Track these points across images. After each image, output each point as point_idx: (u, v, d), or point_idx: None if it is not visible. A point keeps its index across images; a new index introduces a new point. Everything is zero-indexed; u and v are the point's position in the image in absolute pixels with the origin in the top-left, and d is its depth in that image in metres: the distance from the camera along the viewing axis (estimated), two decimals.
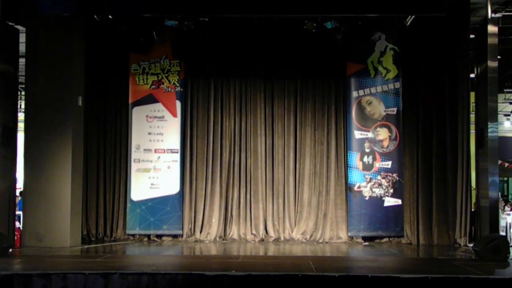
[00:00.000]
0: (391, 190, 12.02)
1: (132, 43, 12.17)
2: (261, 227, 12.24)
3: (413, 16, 10.76)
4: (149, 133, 12.31)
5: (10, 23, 10.89)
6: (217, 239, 12.08)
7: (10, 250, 9.74)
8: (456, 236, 11.58)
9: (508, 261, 9.19)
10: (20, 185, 12.05)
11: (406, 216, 12.03)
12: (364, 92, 12.24)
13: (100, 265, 8.47)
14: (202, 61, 12.48)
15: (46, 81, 10.80)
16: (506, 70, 14.79)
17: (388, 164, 12.08)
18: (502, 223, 11.81)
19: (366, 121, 12.20)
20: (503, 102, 17.49)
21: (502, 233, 11.24)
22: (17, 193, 11.93)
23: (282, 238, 12.13)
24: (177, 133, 12.30)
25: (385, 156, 12.11)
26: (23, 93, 13.84)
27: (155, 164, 12.23)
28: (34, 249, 10.30)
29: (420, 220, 11.97)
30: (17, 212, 11.24)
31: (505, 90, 17.24)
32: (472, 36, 11.45)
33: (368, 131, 12.16)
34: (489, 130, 10.44)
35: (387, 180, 12.02)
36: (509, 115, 18.50)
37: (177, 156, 12.24)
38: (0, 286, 7.24)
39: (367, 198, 12.03)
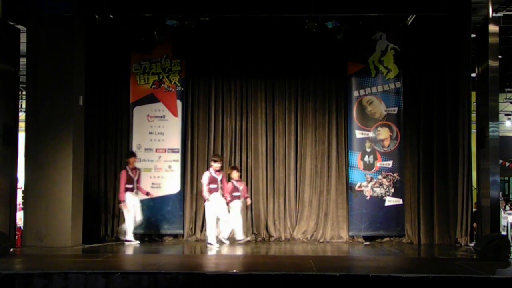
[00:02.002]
0: (392, 190, 12.02)
1: (133, 43, 12.17)
2: (262, 226, 12.24)
3: (414, 16, 10.76)
4: (150, 133, 12.32)
5: (11, 23, 10.89)
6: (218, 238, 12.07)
7: (11, 249, 9.74)
8: (457, 236, 11.59)
9: (509, 261, 9.18)
10: (21, 184, 12.04)
11: (407, 216, 12.02)
12: (365, 91, 12.23)
13: (101, 264, 8.47)
14: (203, 60, 12.48)
15: (47, 81, 10.79)
16: (507, 70, 14.80)
17: (389, 163, 12.08)
18: (503, 222, 11.83)
19: (367, 120, 12.20)
20: (504, 102, 17.51)
21: (503, 233, 11.24)
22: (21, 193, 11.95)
23: (283, 238, 12.14)
24: (178, 133, 12.30)
25: (386, 156, 12.11)
26: (24, 92, 13.84)
27: (156, 163, 12.24)
28: (35, 248, 10.30)
29: (421, 220, 11.97)
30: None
31: (506, 90, 17.25)
32: (473, 35, 11.45)
33: (369, 131, 12.16)
34: (490, 129, 10.42)
35: (388, 180, 12.02)
36: (510, 114, 18.50)
37: (178, 156, 12.24)
38: (1, 286, 7.24)
39: (368, 198, 12.03)
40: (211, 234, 11.05)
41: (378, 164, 12.09)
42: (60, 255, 9.63)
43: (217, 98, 12.53)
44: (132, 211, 11.40)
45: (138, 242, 11.49)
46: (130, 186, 11.45)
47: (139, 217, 11.54)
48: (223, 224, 11.32)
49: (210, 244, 11.00)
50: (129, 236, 11.41)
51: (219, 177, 11.21)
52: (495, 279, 7.43)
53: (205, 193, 11.08)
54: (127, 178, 11.45)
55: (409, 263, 9.45)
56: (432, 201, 11.93)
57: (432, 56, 12.08)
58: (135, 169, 11.61)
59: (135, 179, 11.54)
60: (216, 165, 11.24)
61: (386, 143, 12.14)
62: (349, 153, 12.20)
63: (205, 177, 11.18)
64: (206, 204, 11.12)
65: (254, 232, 12.20)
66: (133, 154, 11.79)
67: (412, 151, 12.17)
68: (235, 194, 11.45)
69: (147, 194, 11.74)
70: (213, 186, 11.09)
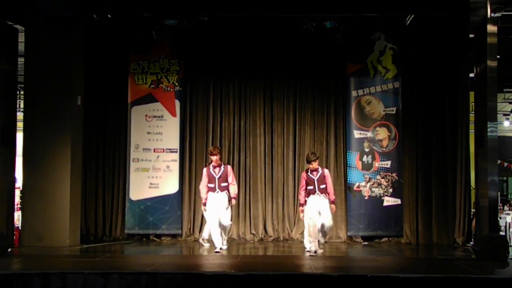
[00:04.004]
0: (391, 190, 12.01)
1: (131, 43, 12.14)
2: (261, 226, 12.24)
3: (413, 16, 10.76)
4: (148, 133, 12.30)
5: (9, 22, 10.86)
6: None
7: (9, 249, 9.72)
8: (455, 236, 11.59)
9: (508, 261, 9.18)
10: (19, 184, 12.03)
11: (406, 216, 12.02)
12: (363, 91, 12.23)
13: (99, 264, 8.46)
14: (202, 60, 12.47)
15: (45, 81, 10.78)
16: (506, 70, 14.78)
17: (388, 163, 12.08)
18: (501, 222, 11.83)
19: (366, 120, 12.19)
20: (502, 102, 17.51)
21: (502, 233, 11.25)
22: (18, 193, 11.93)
23: (281, 238, 12.13)
24: (176, 133, 12.28)
25: (384, 156, 12.11)
26: (22, 92, 13.82)
27: (154, 163, 12.22)
28: (33, 248, 10.28)
29: (419, 220, 11.96)
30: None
31: (504, 90, 17.23)
32: (471, 35, 11.45)
33: (368, 131, 12.16)
34: (488, 129, 10.41)
35: (387, 180, 12.02)
36: (508, 114, 18.52)
37: (176, 156, 12.23)
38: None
39: (366, 198, 12.03)
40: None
41: (377, 164, 12.09)
42: (58, 255, 9.60)
43: (215, 98, 12.52)
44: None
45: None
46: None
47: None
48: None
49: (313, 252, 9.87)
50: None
51: (316, 177, 9.96)
52: (494, 279, 7.42)
53: (301, 196, 10.14)
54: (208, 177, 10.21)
55: (407, 263, 9.44)
56: (431, 201, 11.92)
57: (431, 56, 12.07)
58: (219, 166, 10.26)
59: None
60: (314, 165, 9.96)
61: (385, 143, 12.14)
62: (347, 153, 12.20)
63: (303, 180, 10.12)
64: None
65: (252, 232, 12.19)
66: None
67: (411, 151, 12.17)
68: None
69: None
70: (310, 187, 9.98)
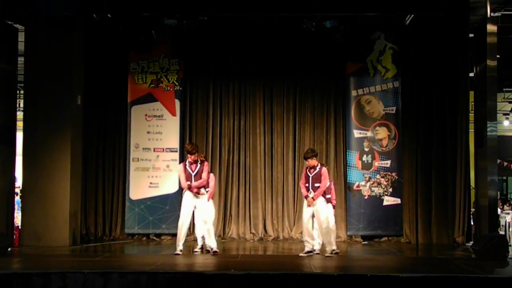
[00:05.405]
0: (390, 189, 12.02)
1: (131, 42, 12.15)
2: (260, 226, 12.25)
3: (412, 15, 10.76)
4: (148, 132, 12.31)
5: (9, 22, 10.86)
6: (216, 238, 12.04)
7: (9, 249, 9.72)
8: (455, 235, 11.60)
9: (507, 260, 9.18)
10: (18, 184, 12.04)
11: (405, 215, 12.03)
12: (363, 91, 12.24)
13: (99, 264, 8.46)
14: (202, 60, 12.48)
15: (45, 80, 10.78)
16: (505, 69, 14.77)
17: (387, 163, 12.08)
18: (501, 222, 11.83)
19: (365, 120, 12.19)
20: (502, 101, 17.49)
21: (501, 232, 11.25)
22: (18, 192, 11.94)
23: (281, 237, 12.15)
24: (176, 132, 12.29)
25: (384, 155, 12.11)
26: (22, 91, 13.82)
27: (154, 163, 12.23)
28: (33, 248, 10.28)
29: (419, 219, 11.98)
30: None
31: (504, 89, 17.22)
32: (471, 35, 11.45)
33: (367, 130, 12.16)
34: (488, 129, 10.42)
35: (386, 179, 12.02)
36: (508, 114, 18.48)
37: (176, 155, 12.23)
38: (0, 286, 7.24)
39: (366, 197, 12.03)
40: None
41: (376, 163, 12.09)
42: (58, 255, 9.60)
43: (215, 97, 12.53)
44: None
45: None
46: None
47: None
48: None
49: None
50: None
51: (311, 175, 9.33)
52: (493, 279, 7.42)
53: (302, 191, 9.54)
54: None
55: (407, 263, 9.44)
56: (430, 201, 11.94)
57: (431, 55, 12.08)
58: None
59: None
60: (310, 162, 9.38)
61: (384, 142, 12.14)
62: (347, 152, 12.20)
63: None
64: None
65: (252, 232, 12.20)
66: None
67: (410, 150, 12.17)
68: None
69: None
70: (306, 185, 9.38)
